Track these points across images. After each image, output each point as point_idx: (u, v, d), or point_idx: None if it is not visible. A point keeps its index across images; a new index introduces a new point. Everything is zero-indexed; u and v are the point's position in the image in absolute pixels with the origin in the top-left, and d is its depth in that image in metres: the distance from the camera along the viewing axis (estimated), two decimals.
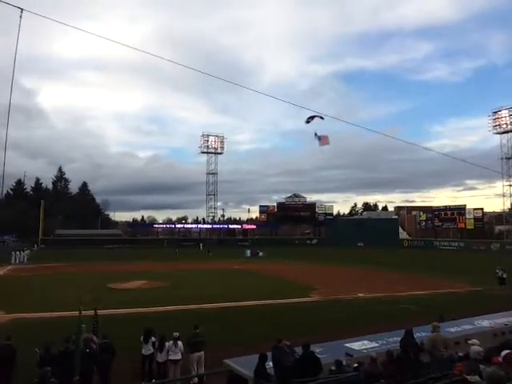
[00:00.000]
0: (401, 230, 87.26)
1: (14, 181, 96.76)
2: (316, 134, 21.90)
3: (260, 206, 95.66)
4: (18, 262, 45.25)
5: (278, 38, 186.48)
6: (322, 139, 22.10)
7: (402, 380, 7.55)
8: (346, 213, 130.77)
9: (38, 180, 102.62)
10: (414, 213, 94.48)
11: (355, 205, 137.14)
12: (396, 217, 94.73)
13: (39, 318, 18.28)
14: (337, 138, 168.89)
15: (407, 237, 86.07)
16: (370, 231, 77.43)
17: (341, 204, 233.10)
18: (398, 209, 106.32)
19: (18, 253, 47.26)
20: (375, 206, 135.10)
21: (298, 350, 9.13)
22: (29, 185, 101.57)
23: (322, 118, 21.08)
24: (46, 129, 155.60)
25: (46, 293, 25.18)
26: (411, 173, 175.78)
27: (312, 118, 21.51)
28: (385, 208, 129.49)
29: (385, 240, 72.79)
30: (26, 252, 49.41)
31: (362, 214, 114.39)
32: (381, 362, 8.69)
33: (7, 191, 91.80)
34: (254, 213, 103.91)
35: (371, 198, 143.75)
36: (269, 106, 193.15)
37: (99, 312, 12.29)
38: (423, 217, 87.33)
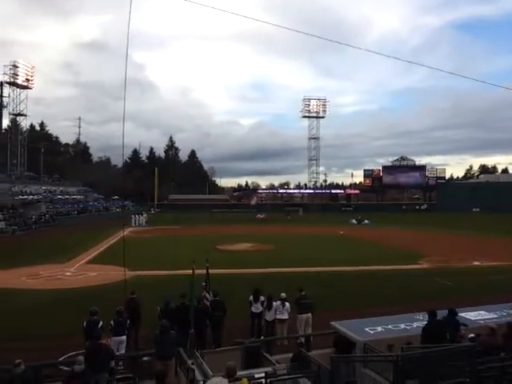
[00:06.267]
0: None
1: (130, 150, 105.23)
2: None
3: (364, 171, 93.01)
4: (137, 224, 49.63)
5: None
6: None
7: None
8: (460, 176, 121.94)
9: (151, 149, 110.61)
10: None
11: (471, 167, 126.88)
12: None
13: (157, 275, 20.00)
14: (453, 95, 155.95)
15: None
16: (487, 196, 71.50)
17: (454, 167, 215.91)
18: None
19: (137, 216, 51.87)
20: (494, 168, 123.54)
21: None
22: (144, 154, 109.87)
23: None
24: (157, 100, 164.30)
25: (162, 253, 27.38)
26: None
27: None
28: (505, 170, 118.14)
29: (505, 205, 66.62)
30: (144, 216, 53.89)
31: (478, 178, 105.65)
32: (501, 334, 8.09)
33: (125, 160, 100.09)
34: (358, 177, 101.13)
35: (490, 160, 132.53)
36: (375, 66, 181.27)
37: (210, 271, 12.97)
38: None
